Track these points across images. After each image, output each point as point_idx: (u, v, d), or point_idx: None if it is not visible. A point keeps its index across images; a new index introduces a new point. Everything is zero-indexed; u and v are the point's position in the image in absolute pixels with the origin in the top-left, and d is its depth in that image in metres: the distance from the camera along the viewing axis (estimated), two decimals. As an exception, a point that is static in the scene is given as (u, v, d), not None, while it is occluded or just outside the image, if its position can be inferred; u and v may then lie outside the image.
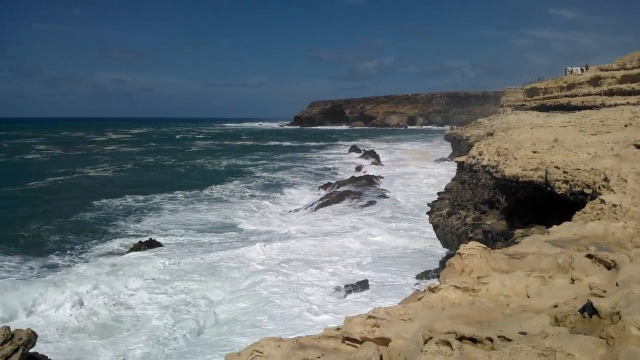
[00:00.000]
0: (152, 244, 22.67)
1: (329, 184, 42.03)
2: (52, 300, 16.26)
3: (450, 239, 17.48)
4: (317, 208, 31.92)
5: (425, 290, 5.49)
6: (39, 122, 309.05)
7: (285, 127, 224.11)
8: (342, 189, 37.68)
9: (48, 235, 25.68)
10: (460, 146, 44.38)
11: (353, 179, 41.72)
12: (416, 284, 17.07)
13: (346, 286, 17.10)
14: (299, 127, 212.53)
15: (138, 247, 22.15)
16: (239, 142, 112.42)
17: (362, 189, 36.06)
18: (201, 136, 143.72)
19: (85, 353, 13.06)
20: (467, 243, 6.21)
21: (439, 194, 21.83)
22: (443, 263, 17.47)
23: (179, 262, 20.01)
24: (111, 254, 22.47)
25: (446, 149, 62.82)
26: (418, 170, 50.06)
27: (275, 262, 20.06)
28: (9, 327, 9.36)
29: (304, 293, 16.67)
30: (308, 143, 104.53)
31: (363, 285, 17.25)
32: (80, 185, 44.28)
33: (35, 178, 46.65)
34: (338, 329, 4.82)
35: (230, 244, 23.99)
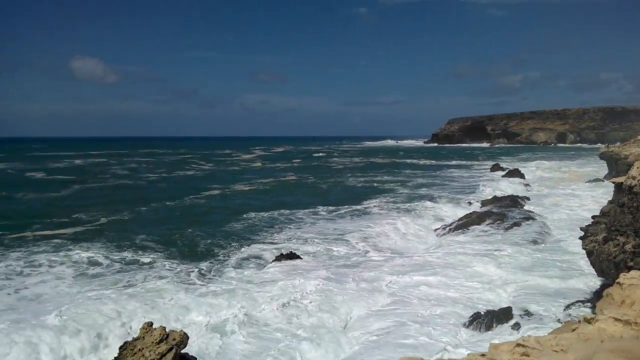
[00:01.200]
0: (292, 256, 23.83)
1: (469, 204, 40.80)
2: (201, 305, 17.84)
3: (607, 267, 16.13)
4: (456, 229, 31.17)
5: (579, 321, 5.25)
6: (194, 141, 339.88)
7: (423, 144, 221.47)
8: (483, 209, 36.38)
9: (200, 241, 28.49)
10: (617, 166, 40.62)
11: (495, 199, 40.01)
12: (566, 315, 15.97)
13: (486, 313, 16.48)
14: (436, 144, 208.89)
15: (279, 259, 23.45)
16: (377, 160, 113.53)
17: (505, 210, 34.45)
18: (339, 154, 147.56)
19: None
20: (627, 272, 5.84)
21: (593, 217, 20.19)
22: (598, 293, 16.14)
23: (317, 281, 20.65)
24: (257, 258, 24.51)
25: (600, 168, 57.70)
26: (569, 191, 46.50)
27: (406, 285, 19.92)
28: (164, 327, 10.45)
29: (436, 319, 16.32)
30: (447, 162, 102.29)
31: (506, 313, 16.48)
32: (231, 199, 47.84)
33: (193, 192, 51.32)
34: (483, 355, 4.80)
35: (367, 260, 24.31)
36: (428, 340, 14.68)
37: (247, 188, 56.88)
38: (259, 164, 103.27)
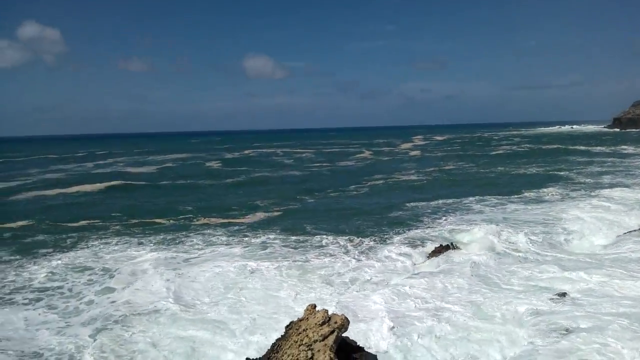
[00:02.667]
0: (448, 248, 22.77)
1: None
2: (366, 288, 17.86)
3: None
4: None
5: None
6: (355, 132, 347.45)
7: (602, 129, 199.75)
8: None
9: (366, 228, 28.93)
10: None
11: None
12: None
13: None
14: (618, 130, 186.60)
15: (438, 251, 22.52)
16: (547, 146, 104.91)
17: None
18: (504, 141, 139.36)
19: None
20: None
21: None
22: None
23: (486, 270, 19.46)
24: (421, 245, 24.10)
25: None
26: None
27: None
28: (327, 310, 10.46)
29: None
30: (625, 148, 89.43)
31: None
32: (393, 188, 47.62)
33: (355, 182, 52.20)
34: None
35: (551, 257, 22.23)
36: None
37: (408, 177, 56.22)
38: (418, 153, 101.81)
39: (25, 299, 18.57)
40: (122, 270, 21.61)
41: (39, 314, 16.98)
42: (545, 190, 40.35)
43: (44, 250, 25.66)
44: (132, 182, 56.01)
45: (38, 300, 18.44)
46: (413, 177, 56.00)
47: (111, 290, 19.30)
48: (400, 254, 22.49)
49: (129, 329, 15.65)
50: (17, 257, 24.42)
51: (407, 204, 35.98)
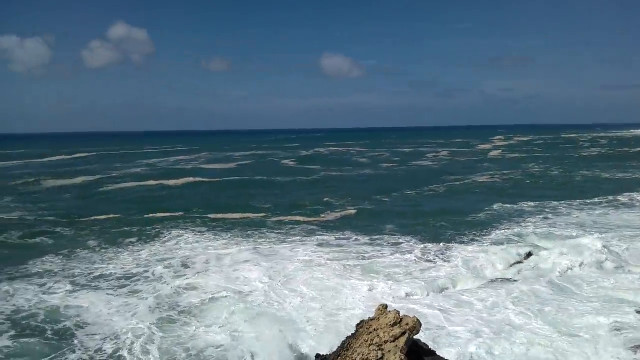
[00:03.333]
0: (531, 255, 21.70)
1: None
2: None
3: None
4: None
5: None
6: (431, 131, 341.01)
7: None
8: None
9: (443, 229, 28.30)
10: None
11: None
12: None
13: None
14: None
15: (520, 256, 21.50)
16: (635, 149, 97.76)
17: None
18: (587, 142, 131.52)
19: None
20: None
21: None
22: None
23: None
24: (499, 249, 22.94)
25: None
26: None
27: None
28: (398, 311, 10.16)
29: None
30: None
31: None
32: (472, 189, 46.15)
33: (431, 182, 51.13)
34: None
35: None
36: None
37: (488, 179, 54.28)
38: (498, 154, 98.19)
39: (108, 285, 19.60)
40: (198, 260, 22.45)
41: (120, 299, 17.85)
42: (637, 195, 37.60)
43: (129, 240, 27.03)
44: (211, 179, 57.92)
45: (121, 287, 19.41)
46: (493, 179, 54.02)
47: (186, 278, 20.04)
48: (478, 258, 21.63)
49: (199, 315, 16.24)
50: (104, 246, 25.88)
51: (487, 206, 34.74)
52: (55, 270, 21.57)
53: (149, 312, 16.56)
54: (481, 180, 52.93)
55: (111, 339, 14.73)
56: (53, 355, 13.82)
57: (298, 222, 31.38)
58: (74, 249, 25.35)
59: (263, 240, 26.58)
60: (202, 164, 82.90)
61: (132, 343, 14.38)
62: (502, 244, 24.09)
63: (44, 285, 19.42)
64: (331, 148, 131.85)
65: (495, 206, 34.77)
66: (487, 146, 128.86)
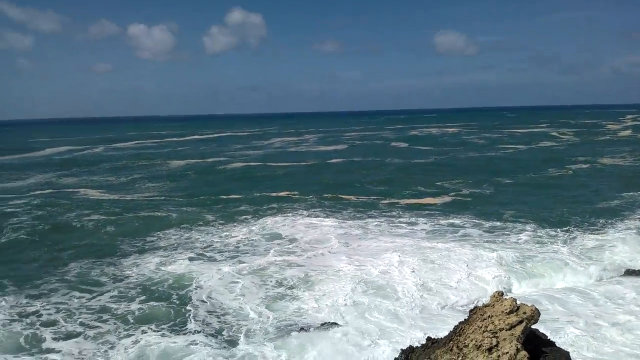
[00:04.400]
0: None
1: None
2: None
3: None
4: None
5: None
6: (553, 110, 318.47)
7: None
8: None
9: (570, 216, 26.35)
10: None
11: None
12: None
13: None
14: None
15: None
16: None
17: None
18: None
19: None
20: None
21: None
22: None
23: None
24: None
25: None
26: None
27: None
28: (515, 299, 9.57)
29: None
30: None
31: None
32: (601, 173, 42.42)
33: (554, 165, 47.92)
34: None
35: None
36: None
37: (619, 162, 49.61)
38: (629, 134, 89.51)
39: (222, 256, 20.84)
40: (306, 238, 22.97)
41: (232, 271, 18.78)
42: None
43: (244, 217, 28.35)
44: (323, 160, 58.80)
45: (232, 257, 20.65)
46: (625, 162, 49.29)
47: (294, 254, 20.70)
48: (611, 248, 19.85)
49: (306, 290, 16.64)
50: (222, 222, 27.39)
51: (620, 193, 31.75)
52: (177, 242, 23.31)
53: (258, 286, 17.28)
54: (611, 163, 48.60)
55: (222, 308, 15.61)
56: (176, 320, 14.90)
57: (410, 205, 30.87)
58: (194, 222, 27.18)
59: (370, 220, 26.56)
60: (315, 146, 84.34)
61: (245, 315, 15.08)
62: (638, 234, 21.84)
63: (167, 256, 21.04)
64: (443, 129, 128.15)
65: (630, 193, 31.82)
66: (617, 126, 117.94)
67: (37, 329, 14.28)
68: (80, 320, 14.88)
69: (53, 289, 17.47)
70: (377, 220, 26.70)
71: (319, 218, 27.34)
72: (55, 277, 18.78)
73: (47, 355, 12.93)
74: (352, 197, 34.06)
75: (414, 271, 17.82)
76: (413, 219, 26.53)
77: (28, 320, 14.80)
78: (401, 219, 26.66)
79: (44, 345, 13.40)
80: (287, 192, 36.09)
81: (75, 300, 16.37)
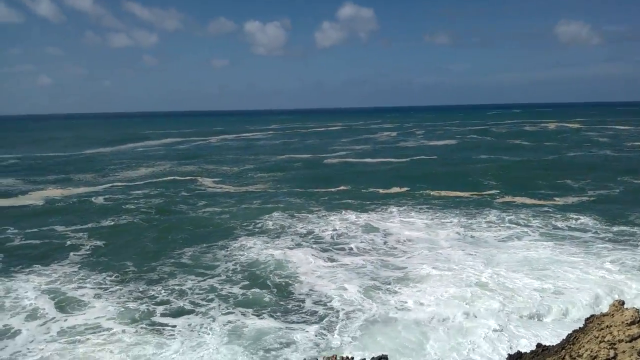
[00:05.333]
0: None
1: None
2: None
3: None
4: None
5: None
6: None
7: None
8: None
9: None
10: None
11: None
12: None
13: None
14: None
15: None
16: None
17: None
18: None
19: None
20: None
21: None
22: None
23: None
24: None
25: None
26: None
27: None
28: (638, 310, 8.66)
29: None
30: None
31: None
32: None
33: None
34: None
35: None
36: None
37: None
38: None
39: (319, 246, 21.36)
40: (399, 238, 22.52)
41: (328, 258, 19.14)
42: None
43: (344, 209, 28.55)
44: (431, 156, 57.28)
45: (326, 250, 20.97)
46: None
47: (395, 250, 20.66)
48: None
49: (402, 284, 16.53)
50: (324, 213, 27.90)
51: None
52: (279, 230, 24.28)
53: (354, 276, 17.34)
54: None
55: (319, 295, 15.91)
56: (279, 305, 15.36)
57: (527, 205, 29.06)
58: (298, 211, 28.20)
59: (486, 220, 25.44)
60: (424, 141, 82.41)
61: (343, 303, 15.13)
62: None
63: (269, 242, 22.03)
64: (563, 124, 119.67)
65: None
66: None
67: (149, 306, 15.47)
68: (189, 299, 15.91)
69: (169, 272, 18.82)
70: (490, 219, 25.50)
71: (424, 214, 26.86)
72: (172, 259, 20.39)
73: (155, 327, 13.96)
74: (464, 194, 32.92)
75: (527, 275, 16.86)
76: (529, 219, 25.12)
77: (145, 299, 16.05)
78: (517, 220, 25.14)
79: (154, 319, 14.50)
80: (399, 188, 35.71)
81: (189, 282, 17.52)
